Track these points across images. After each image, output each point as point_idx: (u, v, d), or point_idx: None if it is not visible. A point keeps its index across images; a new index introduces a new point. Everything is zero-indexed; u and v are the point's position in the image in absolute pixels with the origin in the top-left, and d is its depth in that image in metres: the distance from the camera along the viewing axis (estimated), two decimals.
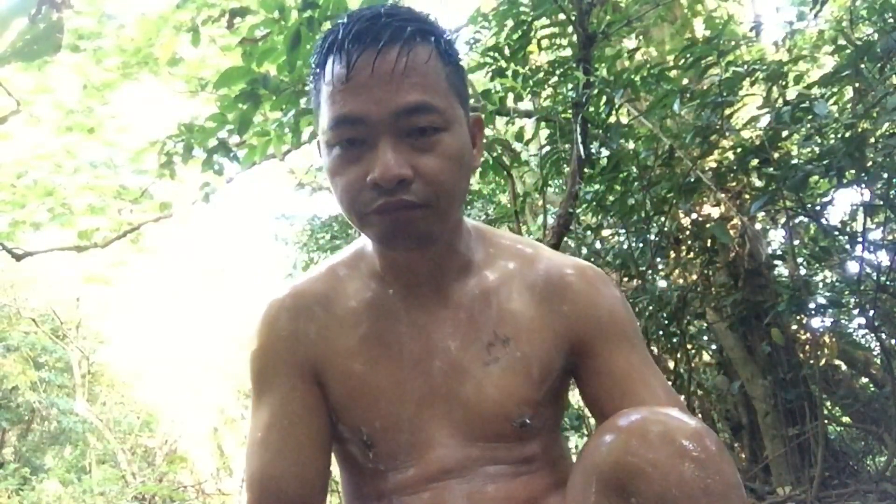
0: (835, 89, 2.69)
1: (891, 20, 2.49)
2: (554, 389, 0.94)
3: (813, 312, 2.98)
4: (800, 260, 3.13)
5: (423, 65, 0.83)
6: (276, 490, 0.90)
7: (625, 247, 3.02)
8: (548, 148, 3.04)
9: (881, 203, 2.56)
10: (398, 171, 0.80)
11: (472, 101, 3.09)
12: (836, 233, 2.87)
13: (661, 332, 3.02)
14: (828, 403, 3.34)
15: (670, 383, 1.01)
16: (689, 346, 3.12)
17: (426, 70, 0.83)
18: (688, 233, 3.12)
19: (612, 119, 2.76)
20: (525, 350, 0.91)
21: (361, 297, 0.95)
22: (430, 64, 0.83)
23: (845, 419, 3.58)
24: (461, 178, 0.87)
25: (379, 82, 0.81)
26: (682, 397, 2.64)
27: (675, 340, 3.08)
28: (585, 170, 2.73)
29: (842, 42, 2.65)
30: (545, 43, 3.06)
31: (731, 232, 3.06)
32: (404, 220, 0.83)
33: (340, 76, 0.82)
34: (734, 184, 2.99)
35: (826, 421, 2.99)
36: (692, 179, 2.65)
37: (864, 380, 3.73)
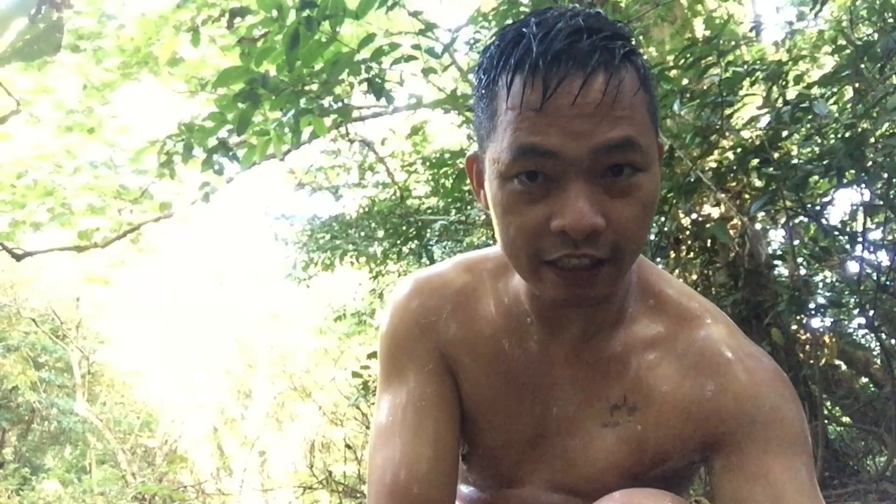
0: (835, 89, 2.69)
1: (891, 20, 2.49)
2: (668, 474, 0.83)
3: (813, 312, 2.98)
4: (800, 260, 3.13)
5: (632, 96, 0.70)
6: (416, 475, 0.81)
7: None
8: None
9: (881, 203, 2.56)
10: (592, 221, 0.68)
11: (472, 100, 3.09)
12: (836, 233, 2.87)
13: None
14: (828, 403, 3.34)
15: None
16: None
17: (634, 102, 0.71)
18: (688, 233, 3.12)
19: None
20: (649, 426, 0.80)
21: (500, 315, 0.87)
22: (634, 91, 0.71)
23: (845, 419, 3.58)
24: (649, 226, 0.76)
25: (580, 114, 0.68)
26: None
27: None
28: None
29: (842, 42, 2.64)
30: None
31: (731, 232, 3.06)
32: (585, 282, 0.72)
33: (533, 102, 0.69)
34: (734, 184, 2.99)
35: (826, 421, 2.99)
36: (692, 179, 2.65)
37: (864, 380, 3.73)
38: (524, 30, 0.72)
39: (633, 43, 0.74)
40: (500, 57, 0.73)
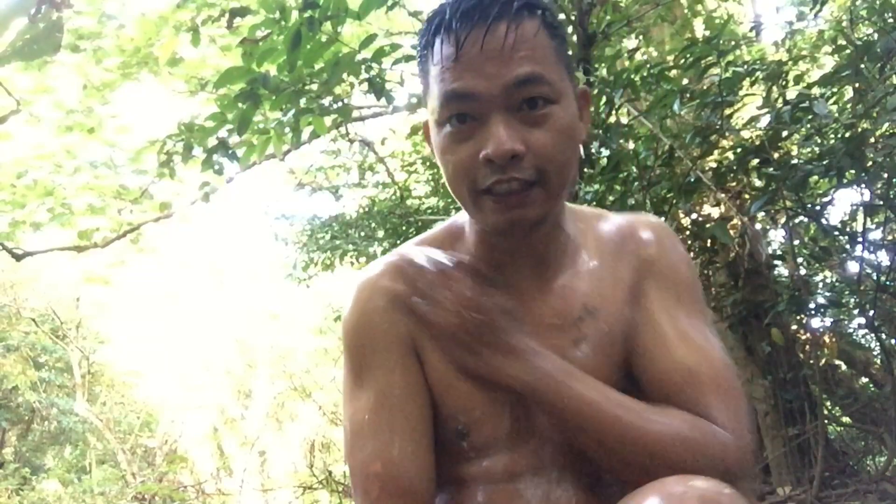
0: (835, 89, 2.69)
1: (891, 20, 2.49)
2: (629, 373, 0.91)
3: (813, 312, 2.98)
4: (800, 260, 3.13)
5: (532, 38, 0.82)
6: (397, 475, 0.85)
7: None
8: None
9: (881, 203, 2.56)
10: (511, 146, 0.79)
11: None
12: (836, 233, 2.87)
13: None
14: (828, 403, 3.34)
15: None
16: None
17: (535, 43, 0.82)
18: (688, 233, 3.12)
19: (612, 119, 2.76)
20: (608, 321, 0.90)
21: (458, 279, 0.91)
22: (539, 37, 0.83)
23: (845, 419, 3.58)
24: (571, 152, 0.85)
25: (489, 58, 0.80)
26: None
27: None
28: (585, 170, 2.73)
29: (842, 42, 2.64)
30: None
31: (731, 232, 3.06)
32: (517, 203, 0.82)
33: (449, 54, 0.82)
34: (734, 184, 2.99)
35: (826, 421, 2.99)
36: (692, 179, 2.65)
37: (864, 380, 3.73)
38: (444, 3, 0.86)
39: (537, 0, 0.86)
40: (428, 27, 0.86)
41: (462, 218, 0.96)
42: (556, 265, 0.92)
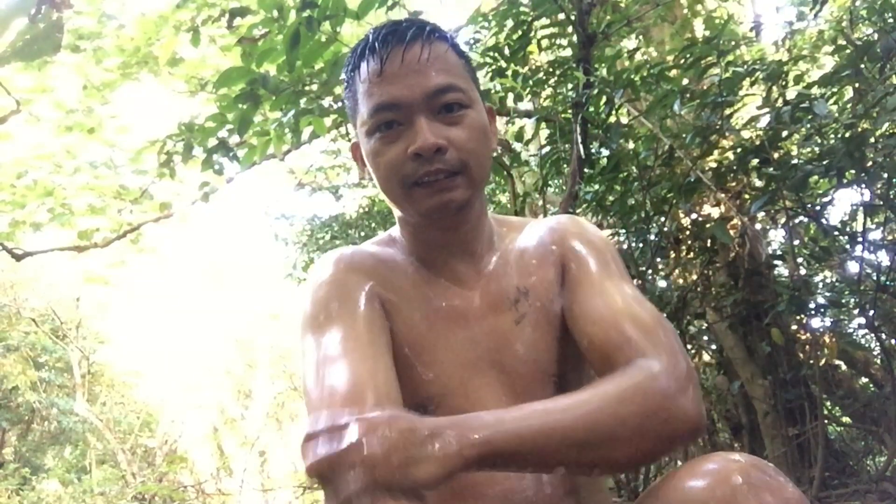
0: (835, 89, 2.68)
1: (891, 20, 2.49)
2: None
3: (813, 312, 2.98)
4: (800, 260, 3.13)
5: (444, 55, 0.97)
6: (371, 389, 0.84)
7: (625, 247, 3.02)
8: (548, 148, 3.03)
9: (881, 203, 2.56)
10: (435, 140, 0.92)
11: None
12: (836, 233, 2.87)
13: None
14: (828, 403, 3.34)
15: None
16: (689, 347, 3.12)
17: (446, 59, 0.97)
18: (688, 233, 3.12)
19: (612, 119, 2.76)
20: (542, 298, 1.00)
21: (404, 271, 1.03)
22: (449, 54, 0.98)
23: (845, 419, 3.57)
24: (486, 148, 0.99)
25: (409, 71, 0.94)
26: None
27: None
28: (585, 170, 2.73)
29: (842, 42, 2.64)
30: (545, 43, 3.05)
31: (731, 232, 3.06)
32: (444, 188, 0.94)
33: (375, 71, 0.95)
34: (734, 184, 2.98)
35: (826, 421, 2.99)
36: (692, 179, 2.65)
37: (864, 380, 3.73)
38: (367, 34, 1.00)
39: (443, 30, 1.00)
40: (353, 53, 1.01)
41: (394, 231, 1.09)
42: (486, 254, 1.04)
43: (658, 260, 3.13)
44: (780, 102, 2.55)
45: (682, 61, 2.63)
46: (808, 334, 3.14)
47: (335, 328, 0.93)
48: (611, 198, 2.89)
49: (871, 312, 2.64)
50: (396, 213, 1.04)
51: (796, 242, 3.19)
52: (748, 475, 0.74)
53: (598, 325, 0.91)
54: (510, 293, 1.00)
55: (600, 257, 1.01)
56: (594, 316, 0.92)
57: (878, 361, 3.43)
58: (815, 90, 2.54)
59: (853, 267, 2.91)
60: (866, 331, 3.14)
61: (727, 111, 2.66)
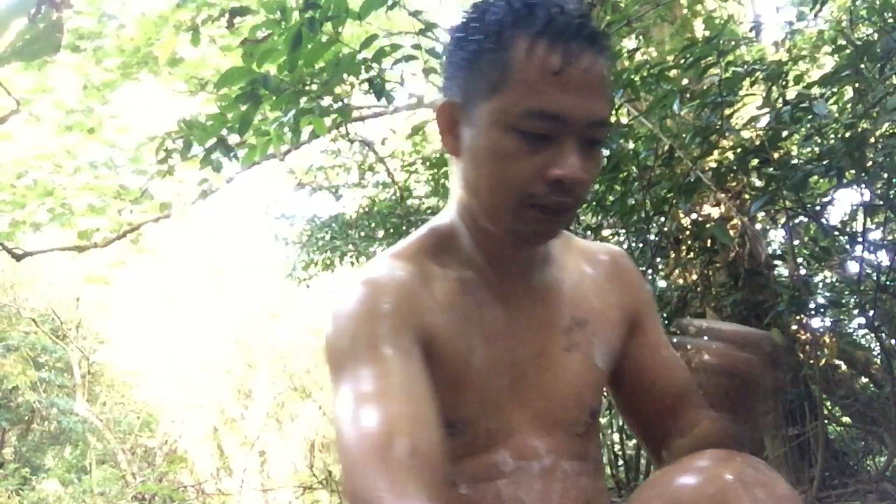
0: (835, 89, 2.68)
1: (891, 20, 2.49)
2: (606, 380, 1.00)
3: (813, 312, 2.98)
4: (800, 260, 3.13)
5: (609, 79, 0.85)
6: (417, 436, 0.73)
7: (625, 247, 3.02)
8: None
9: (881, 203, 2.56)
10: (582, 175, 0.82)
11: None
12: (836, 233, 2.87)
13: None
14: (828, 403, 3.34)
15: None
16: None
17: (609, 84, 0.86)
18: (688, 233, 3.12)
19: (613, 119, 2.76)
20: (600, 334, 0.96)
21: (452, 280, 0.91)
22: (609, 79, 0.86)
23: (845, 419, 3.58)
24: None
25: (586, 85, 0.81)
26: None
27: (675, 341, 3.07)
28: None
29: (842, 42, 2.64)
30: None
31: (731, 232, 3.06)
32: (555, 221, 0.86)
33: (552, 65, 0.80)
34: (734, 184, 2.98)
35: (826, 421, 2.99)
36: (692, 179, 2.65)
37: (864, 380, 3.73)
38: (532, 1, 0.82)
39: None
40: (516, 17, 0.82)
41: (443, 222, 0.95)
42: (538, 270, 0.95)
43: (658, 260, 3.13)
44: (780, 102, 2.55)
45: (682, 61, 2.63)
46: (808, 334, 3.14)
47: (369, 365, 0.80)
48: (611, 198, 2.89)
49: (871, 312, 2.64)
50: (470, 213, 0.91)
51: (796, 242, 3.19)
52: (740, 472, 0.75)
53: (670, 371, 0.98)
54: (563, 319, 0.94)
55: (657, 316, 1.03)
56: (667, 363, 0.98)
57: (878, 361, 3.43)
58: (815, 90, 2.54)
59: (853, 267, 2.91)
60: (866, 331, 3.14)
61: (727, 111, 2.66)
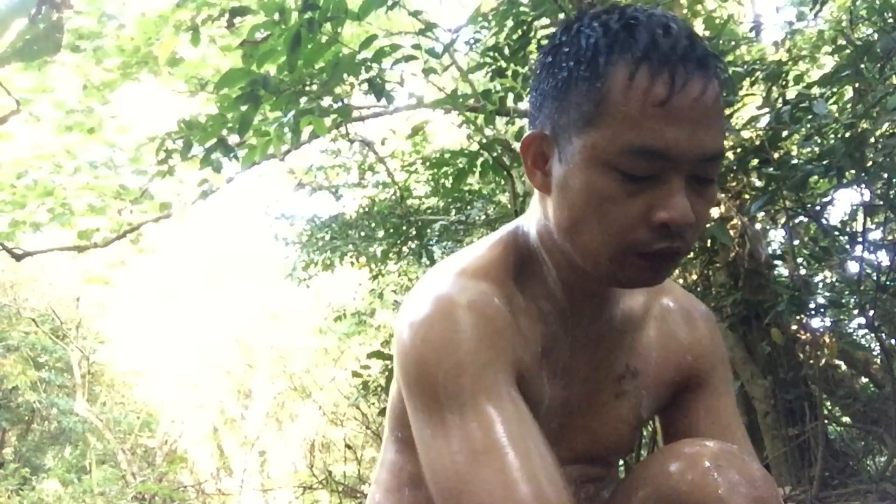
0: (835, 89, 2.68)
1: (891, 20, 2.49)
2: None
3: (813, 312, 2.98)
4: (800, 260, 3.13)
5: (721, 105, 0.74)
6: (544, 490, 0.69)
7: None
8: None
9: (881, 203, 2.56)
10: (691, 218, 0.72)
11: (471, 100, 3.10)
12: (836, 233, 2.87)
13: None
14: (828, 403, 3.34)
15: None
16: None
17: (722, 112, 0.75)
18: None
19: None
20: (649, 385, 0.92)
21: (534, 312, 0.85)
22: (721, 100, 0.75)
23: (845, 419, 3.58)
24: None
25: (697, 117, 0.71)
26: None
27: None
28: None
29: (842, 42, 2.64)
30: (545, 43, 3.05)
31: (731, 232, 3.06)
32: (662, 269, 0.77)
33: (657, 95, 0.70)
34: (734, 184, 2.99)
35: (826, 421, 2.99)
36: None
37: (864, 380, 3.73)
38: (632, 21, 0.73)
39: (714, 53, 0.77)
40: (614, 42, 0.72)
41: (523, 242, 0.86)
42: (609, 313, 0.89)
43: None
44: (780, 102, 2.55)
45: None
46: (808, 334, 3.14)
47: (488, 410, 0.73)
48: None
49: (871, 312, 2.64)
50: (558, 248, 0.82)
51: (796, 242, 3.19)
52: (716, 458, 0.77)
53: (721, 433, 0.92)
54: (619, 365, 0.90)
55: (730, 383, 0.97)
56: (721, 430, 0.92)
57: (878, 361, 3.43)
58: (815, 90, 2.54)
59: (853, 267, 2.91)
60: (866, 331, 3.14)
61: (727, 111, 2.66)
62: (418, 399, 0.76)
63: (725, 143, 2.85)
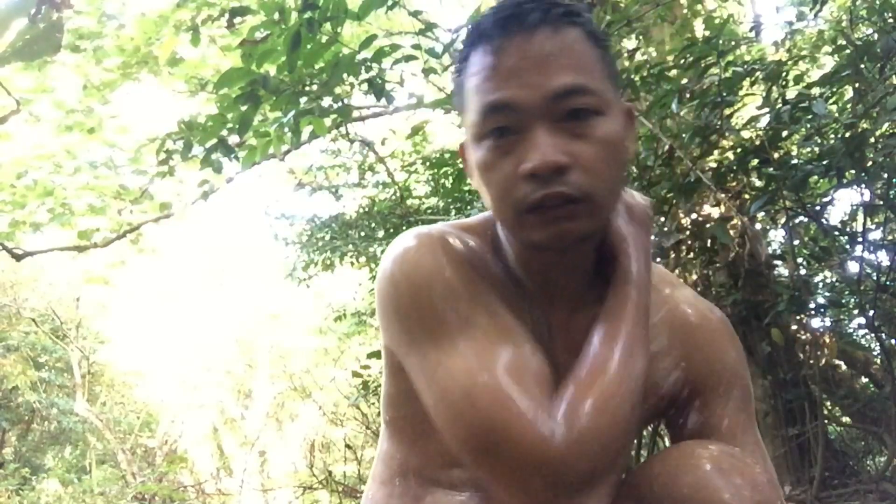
0: (835, 89, 2.69)
1: (891, 20, 2.49)
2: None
3: (813, 312, 2.98)
4: (800, 260, 3.13)
5: (574, 46, 0.77)
6: (526, 375, 0.74)
7: None
8: None
9: (881, 203, 2.56)
10: (554, 158, 0.74)
11: None
12: (836, 233, 2.87)
13: None
14: (828, 403, 3.34)
15: None
16: None
17: (577, 52, 0.77)
18: (688, 233, 3.12)
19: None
20: (649, 387, 0.88)
21: (509, 280, 0.86)
22: (581, 45, 0.78)
23: (845, 419, 3.58)
24: (619, 169, 0.80)
25: (529, 66, 0.76)
26: None
27: None
28: None
29: (842, 42, 2.64)
30: None
31: (731, 232, 3.06)
32: (560, 218, 0.76)
33: (487, 63, 0.78)
34: (734, 184, 2.99)
35: (826, 421, 2.99)
36: (692, 179, 2.65)
37: (864, 380, 3.73)
38: (483, 14, 0.82)
39: (579, 9, 0.81)
40: (467, 38, 0.83)
41: (496, 224, 0.90)
42: (589, 293, 0.86)
43: (658, 260, 3.13)
44: (779, 102, 2.55)
45: (682, 61, 2.63)
46: (808, 334, 3.14)
47: (475, 322, 0.78)
48: None
49: (871, 312, 2.64)
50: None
51: (796, 242, 3.19)
52: (718, 462, 0.76)
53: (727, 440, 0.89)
54: None
55: (749, 399, 0.94)
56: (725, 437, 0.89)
57: (878, 361, 3.43)
58: (815, 90, 2.54)
59: (853, 267, 2.91)
60: (866, 331, 3.14)
61: (727, 111, 2.66)
62: (416, 324, 0.80)
63: (728, 141, 2.86)
